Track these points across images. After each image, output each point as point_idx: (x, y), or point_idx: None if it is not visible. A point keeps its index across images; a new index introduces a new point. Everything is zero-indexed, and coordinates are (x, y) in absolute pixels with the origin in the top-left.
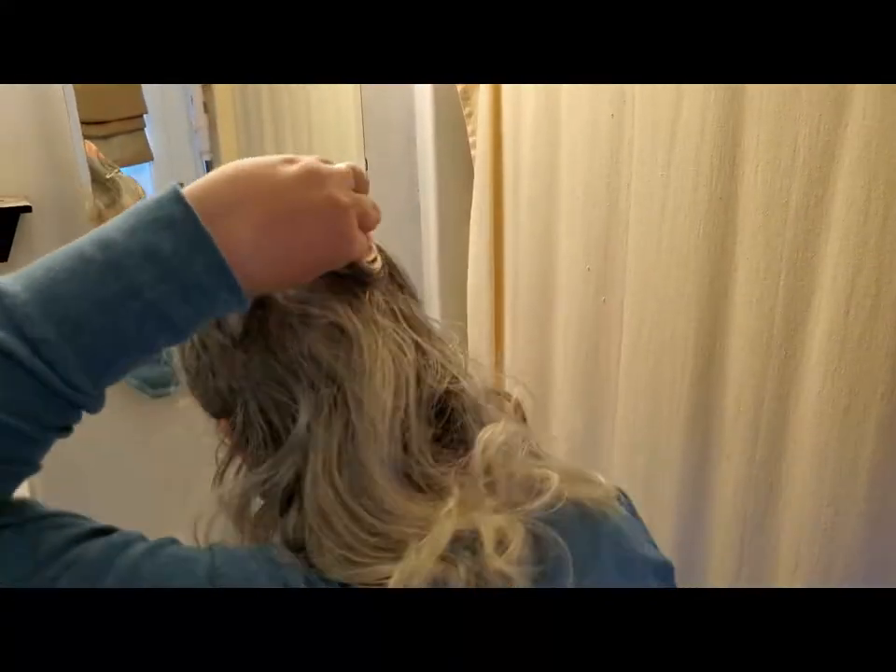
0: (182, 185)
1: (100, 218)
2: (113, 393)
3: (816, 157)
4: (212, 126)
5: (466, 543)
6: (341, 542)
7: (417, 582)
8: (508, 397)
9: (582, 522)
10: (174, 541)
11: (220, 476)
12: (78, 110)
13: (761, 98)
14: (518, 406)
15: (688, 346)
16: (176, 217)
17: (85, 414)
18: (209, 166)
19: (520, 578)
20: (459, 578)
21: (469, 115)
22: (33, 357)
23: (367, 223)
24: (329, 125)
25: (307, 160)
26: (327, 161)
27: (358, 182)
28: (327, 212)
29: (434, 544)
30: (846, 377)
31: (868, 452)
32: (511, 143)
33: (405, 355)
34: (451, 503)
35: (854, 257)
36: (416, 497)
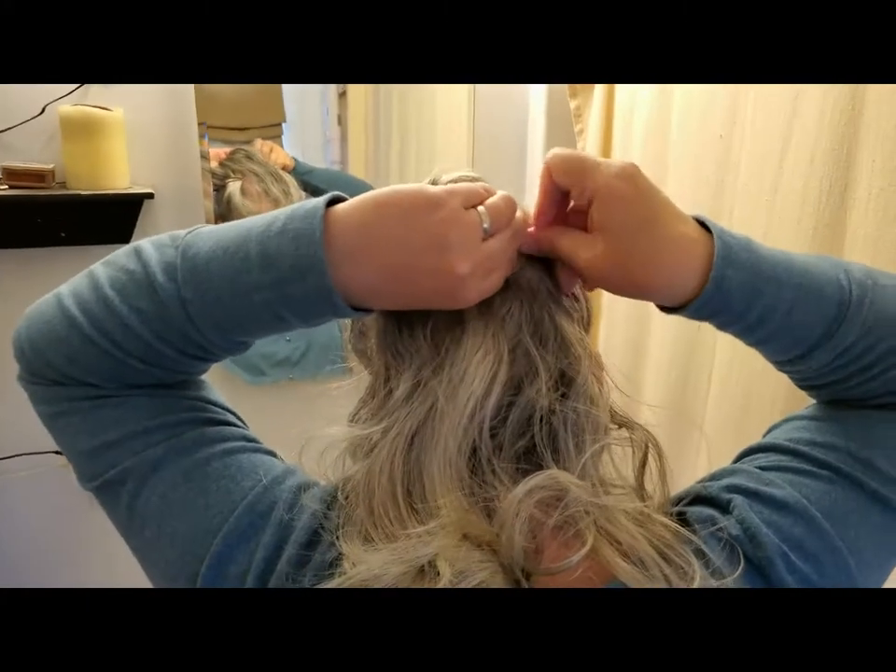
0: (342, 198)
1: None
2: (212, 377)
3: None
4: (343, 137)
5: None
6: (369, 518)
7: (380, 583)
8: (634, 428)
9: None
10: (268, 452)
11: (351, 418)
12: (220, 116)
13: (878, 121)
14: (645, 445)
15: (780, 382)
16: (309, 236)
17: None
18: None
19: None
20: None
21: (580, 132)
22: (181, 309)
23: (495, 267)
24: (448, 143)
25: (452, 206)
26: (472, 200)
27: (498, 220)
28: (441, 278)
29: (408, 554)
30: None
31: None
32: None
33: (507, 356)
34: (442, 521)
35: None
36: (460, 503)
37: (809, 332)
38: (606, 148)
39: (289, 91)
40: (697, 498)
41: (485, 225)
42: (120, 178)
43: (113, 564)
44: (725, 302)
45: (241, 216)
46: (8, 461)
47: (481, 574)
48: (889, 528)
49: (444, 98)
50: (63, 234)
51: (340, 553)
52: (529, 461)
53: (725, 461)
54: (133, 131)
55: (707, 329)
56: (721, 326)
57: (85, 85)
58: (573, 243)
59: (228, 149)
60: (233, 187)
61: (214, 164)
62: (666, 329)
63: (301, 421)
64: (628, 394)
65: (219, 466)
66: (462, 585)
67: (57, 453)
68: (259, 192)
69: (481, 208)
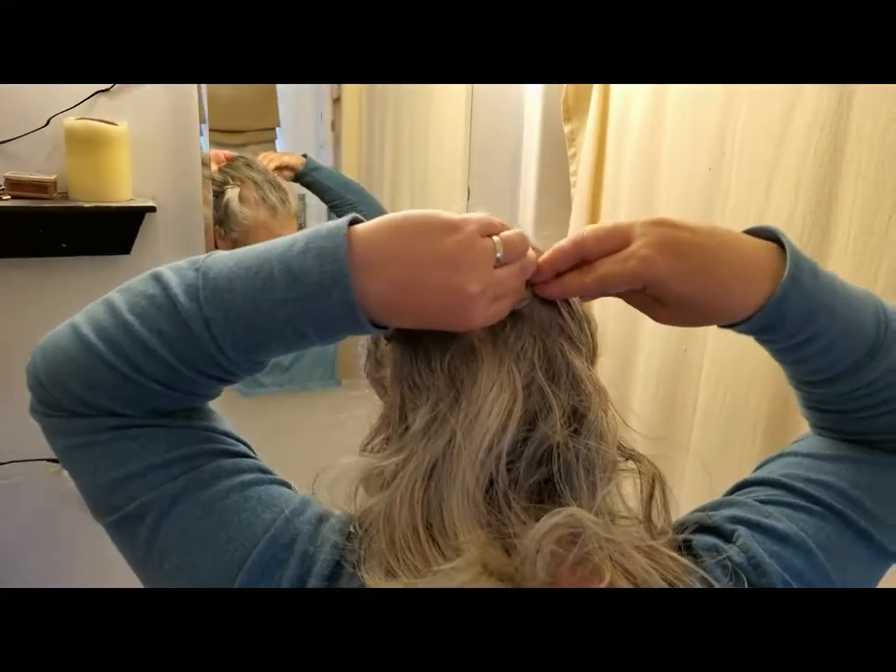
0: (360, 219)
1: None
2: None
3: None
4: (337, 143)
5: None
6: (391, 550)
7: None
8: (641, 461)
9: None
10: (283, 483)
11: (363, 447)
12: (215, 119)
13: (859, 162)
14: (652, 477)
15: (762, 408)
16: (333, 253)
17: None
18: None
19: None
20: None
21: (574, 156)
22: (204, 329)
23: (503, 294)
24: (441, 154)
25: (468, 231)
26: (488, 230)
27: (510, 252)
28: (451, 295)
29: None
30: None
31: None
32: (611, 186)
33: (522, 392)
34: (466, 557)
35: None
36: (478, 536)
37: (843, 361)
38: (598, 173)
39: (284, 95)
40: (701, 527)
41: (499, 254)
42: (123, 191)
43: (105, 571)
44: (780, 321)
45: (238, 221)
46: (0, 468)
47: None
48: (872, 561)
49: (439, 107)
50: (63, 245)
51: (362, 585)
52: (543, 495)
53: (711, 483)
54: (136, 143)
55: (692, 352)
56: (766, 341)
57: (90, 98)
58: (642, 308)
59: (226, 152)
60: (231, 193)
61: (213, 168)
62: (653, 355)
63: (295, 432)
64: (633, 427)
65: (239, 499)
66: None
67: (50, 460)
68: (257, 199)
69: (495, 238)
